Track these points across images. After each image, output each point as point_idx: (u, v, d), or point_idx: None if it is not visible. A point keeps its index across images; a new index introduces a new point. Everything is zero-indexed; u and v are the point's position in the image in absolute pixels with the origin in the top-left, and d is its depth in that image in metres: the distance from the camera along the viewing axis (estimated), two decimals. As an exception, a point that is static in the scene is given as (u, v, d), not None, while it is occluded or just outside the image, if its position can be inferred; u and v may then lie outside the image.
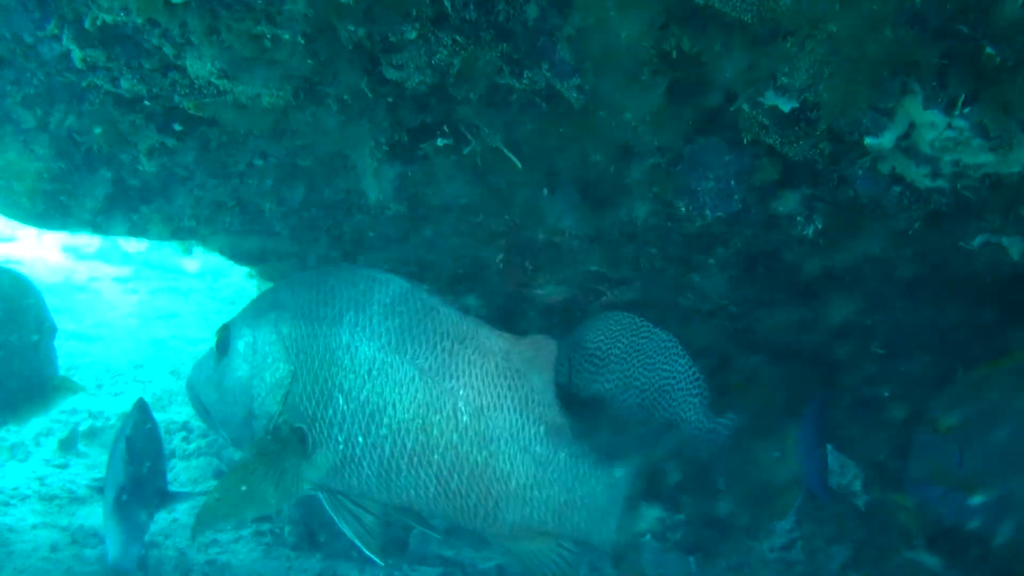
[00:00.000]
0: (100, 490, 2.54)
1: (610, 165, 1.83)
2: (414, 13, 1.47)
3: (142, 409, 2.47)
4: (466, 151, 1.82)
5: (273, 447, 1.81)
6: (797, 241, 1.93)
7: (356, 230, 2.25)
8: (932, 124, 1.46)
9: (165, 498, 2.50)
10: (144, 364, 5.79)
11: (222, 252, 2.52)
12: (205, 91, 1.67)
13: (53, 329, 2.70)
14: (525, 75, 1.59)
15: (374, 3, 1.46)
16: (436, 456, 1.76)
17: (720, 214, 1.81)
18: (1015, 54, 1.32)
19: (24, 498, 3.23)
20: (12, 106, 1.85)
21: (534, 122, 1.74)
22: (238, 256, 2.53)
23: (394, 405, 1.76)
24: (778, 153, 1.66)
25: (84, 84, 1.77)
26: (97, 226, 2.21)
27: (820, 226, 1.86)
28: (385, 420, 1.77)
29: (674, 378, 2.24)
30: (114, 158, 1.98)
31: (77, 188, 2.05)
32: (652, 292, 2.36)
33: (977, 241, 1.72)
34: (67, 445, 3.85)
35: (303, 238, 2.30)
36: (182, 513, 3.15)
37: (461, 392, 1.76)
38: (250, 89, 1.63)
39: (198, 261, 9.13)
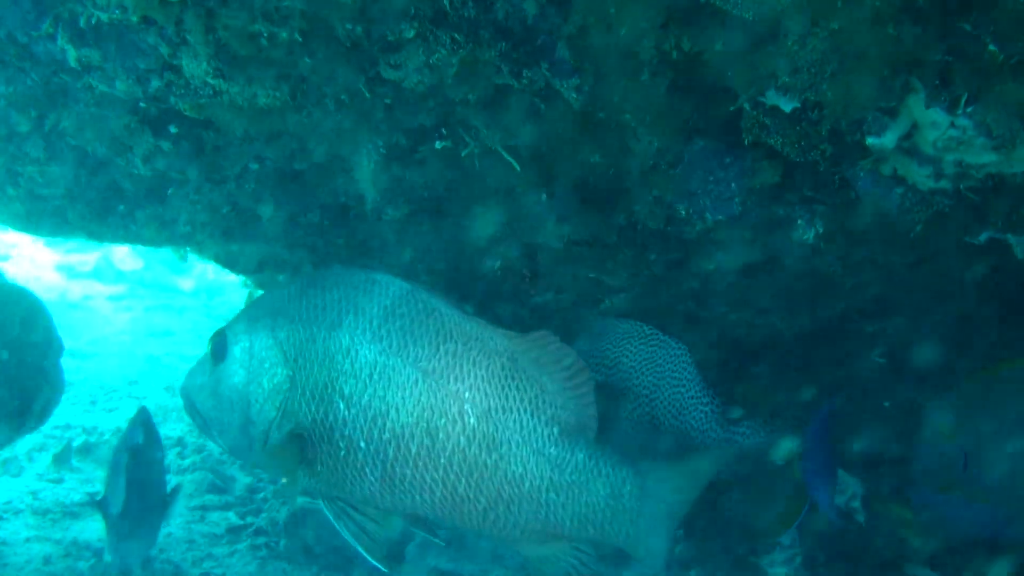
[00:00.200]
0: (95, 504, 2.52)
1: (609, 167, 1.81)
2: (412, 11, 1.47)
3: (145, 416, 2.47)
4: (464, 153, 1.81)
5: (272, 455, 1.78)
6: (798, 245, 1.91)
7: (353, 234, 2.23)
8: (935, 123, 1.44)
9: (166, 504, 2.48)
10: (139, 380, 5.77)
11: (217, 259, 2.49)
12: (201, 91, 1.65)
13: (60, 348, 2.69)
14: (524, 74, 1.58)
15: (371, 1, 1.46)
16: (443, 460, 1.72)
17: (720, 217, 1.80)
18: (1019, 51, 1.31)
19: (17, 512, 3.21)
20: (6, 109, 1.83)
21: (533, 123, 1.73)
22: (233, 263, 2.51)
23: (397, 409, 1.73)
24: (779, 155, 1.65)
25: (79, 85, 1.76)
26: (91, 232, 2.19)
27: (821, 230, 1.85)
28: (388, 425, 1.73)
29: (684, 387, 2.20)
30: (109, 162, 1.96)
31: (71, 193, 2.03)
32: (651, 298, 2.34)
33: (983, 237, 1.70)
34: (61, 460, 3.82)
35: (299, 243, 2.28)
36: (177, 527, 3.13)
37: (467, 394, 1.72)
38: (246, 89, 1.62)
39: (193, 280, 9.16)
